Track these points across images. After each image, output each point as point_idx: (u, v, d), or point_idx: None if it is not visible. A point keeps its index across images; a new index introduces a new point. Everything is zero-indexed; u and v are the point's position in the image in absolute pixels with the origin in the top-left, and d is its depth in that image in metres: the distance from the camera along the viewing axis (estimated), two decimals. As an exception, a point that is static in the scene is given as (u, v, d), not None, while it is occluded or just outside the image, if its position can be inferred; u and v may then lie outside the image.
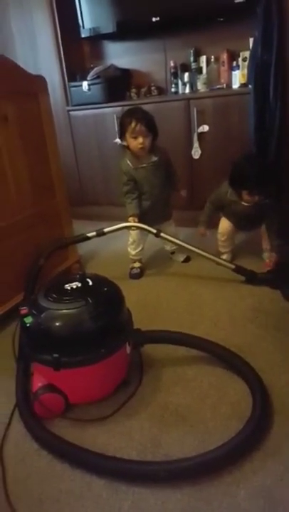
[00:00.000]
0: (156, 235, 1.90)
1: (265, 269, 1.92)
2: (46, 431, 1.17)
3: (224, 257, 2.08)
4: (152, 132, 1.91)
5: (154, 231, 1.90)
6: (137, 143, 1.88)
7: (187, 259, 2.17)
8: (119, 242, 2.53)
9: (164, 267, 2.16)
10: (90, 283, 1.25)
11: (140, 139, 1.87)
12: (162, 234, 1.90)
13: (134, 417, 1.23)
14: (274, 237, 1.93)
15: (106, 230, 1.92)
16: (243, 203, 1.90)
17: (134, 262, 2.13)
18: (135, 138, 1.88)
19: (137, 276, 2.08)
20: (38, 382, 1.23)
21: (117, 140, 2.57)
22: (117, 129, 2.51)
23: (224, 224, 2.07)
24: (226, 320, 1.64)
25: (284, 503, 0.94)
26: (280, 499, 0.95)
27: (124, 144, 1.95)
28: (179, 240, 1.93)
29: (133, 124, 1.86)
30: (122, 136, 1.96)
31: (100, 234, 1.92)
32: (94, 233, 1.93)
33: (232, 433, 1.10)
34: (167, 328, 1.51)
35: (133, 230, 2.04)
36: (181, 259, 2.18)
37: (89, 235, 1.94)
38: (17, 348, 1.45)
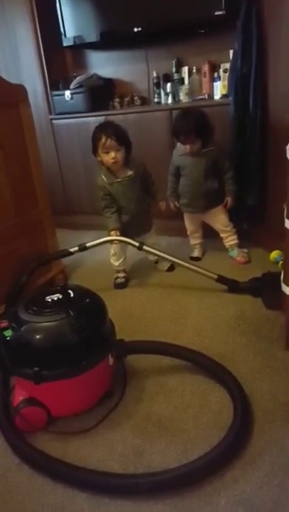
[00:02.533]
0: (139, 248, 1.91)
1: (237, 266, 2.02)
2: (27, 445, 1.16)
3: (196, 252, 2.29)
4: (124, 145, 1.91)
5: (137, 244, 1.90)
6: (109, 158, 1.89)
7: (171, 268, 2.18)
8: (104, 252, 2.52)
9: (148, 277, 2.17)
10: (72, 294, 1.25)
11: (112, 154, 1.88)
12: (145, 247, 1.90)
13: (116, 428, 1.23)
14: (232, 182, 2.10)
15: (88, 244, 1.93)
16: (189, 157, 2.04)
17: (119, 272, 2.14)
18: (107, 153, 1.89)
19: (122, 286, 2.08)
20: (19, 396, 1.23)
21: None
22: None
23: (187, 216, 2.27)
24: (209, 328, 1.66)
25: (263, 511, 0.96)
26: (259, 507, 0.96)
27: (98, 159, 1.96)
28: (161, 251, 1.94)
29: (103, 140, 1.87)
30: (94, 152, 1.96)
31: (83, 249, 1.93)
32: (76, 248, 1.94)
33: (214, 442, 1.11)
34: (152, 338, 1.53)
35: (115, 243, 2.04)
36: (166, 267, 2.20)
37: (71, 250, 1.95)
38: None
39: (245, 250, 2.23)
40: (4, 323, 1.20)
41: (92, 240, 1.96)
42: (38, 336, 1.14)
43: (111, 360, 1.28)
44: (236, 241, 2.20)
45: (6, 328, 1.18)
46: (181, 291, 1.96)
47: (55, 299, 1.23)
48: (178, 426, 1.22)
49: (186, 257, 2.22)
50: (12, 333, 1.16)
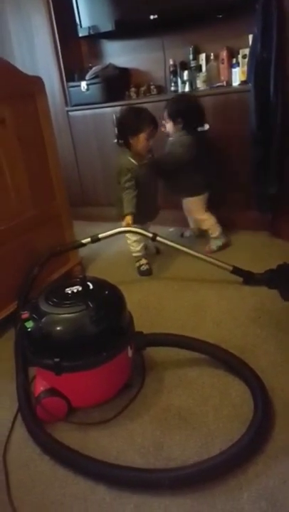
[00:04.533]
0: (153, 239, 1.91)
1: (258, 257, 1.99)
2: (49, 437, 1.16)
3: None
4: None
5: (151, 235, 1.90)
6: (147, 144, 2.01)
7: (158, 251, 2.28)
8: (120, 243, 2.52)
9: (164, 269, 2.14)
10: (91, 286, 1.25)
11: (150, 141, 2.01)
12: (158, 238, 1.89)
13: (136, 420, 1.23)
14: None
15: (101, 235, 1.92)
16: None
17: (140, 260, 2.13)
18: (148, 140, 1.99)
19: (148, 272, 2.09)
20: (40, 386, 1.24)
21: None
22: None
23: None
24: (229, 321, 1.64)
25: (286, 506, 0.94)
26: (282, 502, 0.95)
27: (131, 141, 2.01)
28: (174, 242, 1.92)
29: (152, 128, 1.99)
30: (130, 135, 1.99)
31: (95, 240, 1.93)
32: (88, 239, 1.94)
33: (234, 436, 1.10)
34: (170, 330, 1.52)
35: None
36: (154, 251, 2.30)
37: (84, 241, 1.94)
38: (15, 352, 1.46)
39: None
40: (26, 314, 1.21)
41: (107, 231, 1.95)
42: (58, 328, 1.15)
43: (130, 352, 1.27)
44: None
45: (27, 320, 1.19)
46: (199, 283, 1.94)
47: (75, 290, 1.23)
48: (198, 418, 1.21)
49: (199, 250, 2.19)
50: (33, 325, 1.17)
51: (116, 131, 2.12)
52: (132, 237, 2.12)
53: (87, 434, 1.20)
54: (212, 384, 1.33)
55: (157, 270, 2.14)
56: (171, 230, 2.63)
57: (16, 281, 1.76)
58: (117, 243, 2.51)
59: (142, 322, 1.68)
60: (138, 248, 2.13)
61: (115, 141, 2.12)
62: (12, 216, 1.73)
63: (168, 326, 1.63)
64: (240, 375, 1.30)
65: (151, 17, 2.36)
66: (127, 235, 2.12)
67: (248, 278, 1.83)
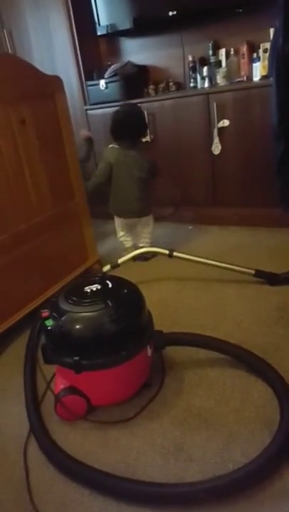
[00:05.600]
0: (170, 256, 1.91)
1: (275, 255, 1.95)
2: (64, 455, 1.13)
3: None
4: None
5: (167, 252, 1.91)
6: None
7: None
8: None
9: (183, 269, 2.11)
10: (110, 285, 1.24)
11: None
12: (175, 253, 1.90)
13: (156, 419, 1.22)
14: None
15: (120, 260, 1.96)
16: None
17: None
18: None
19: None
20: (60, 384, 1.24)
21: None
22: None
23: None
24: (250, 320, 1.60)
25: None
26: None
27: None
28: (192, 256, 1.90)
29: None
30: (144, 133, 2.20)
31: (115, 266, 1.97)
32: (108, 267, 1.97)
33: (256, 438, 1.08)
34: (189, 329, 1.50)
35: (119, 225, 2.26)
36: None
37: (104, 269, 1.97)
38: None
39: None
40: (46, 313, 1.21)
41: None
42: (77, 326, 1.14)
43: (149, 351, 1.26)
44: None
45: (47, 318, 1.19)
46: (219, 282, 1.91)
47: (94, 289, 1.22)
48: (219, 419, 1.19)
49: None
50: (53, 323, 1.17)
51: (131, 128, 2.15)
52: (120, 232, 2.30)
53: (107, 432, 1.20)
54: (233, 385, 1.30)
55: (176, 270, 2.12)
56: (190, 227, 2.60)
57: (37, 279, 1.77)
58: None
59: (161, 321, 1.66)
60: (128, 238, 2.30)
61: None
62: (32, 215, 1.74)
63: (187, 325, 1.61)
64: (262, 376, 1.27)
65: (170, 13, 2.34)
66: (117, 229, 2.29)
67: (273, 279, 1.79)
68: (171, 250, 1.89)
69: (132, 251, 2.17)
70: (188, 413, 1.23)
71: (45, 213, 1.80)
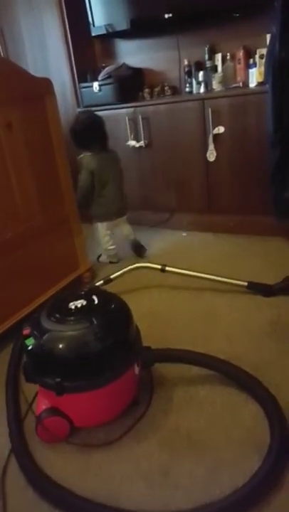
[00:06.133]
0: (162, 270, 1.88)
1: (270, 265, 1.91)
2: (45, 479, 1.09)
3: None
4: None
5: (159, 267, 1.88)
6: None
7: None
8: (131, 250, 2.46)
9: (176, 277, 2.07)
10: (96, 301, 1.19)
11: None
12: (168, 268, 1.87)
13: (142, 442, 1.17)
14: None
15: (113, 276, 1.91)
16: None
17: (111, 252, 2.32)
18: None
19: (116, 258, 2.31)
20: (41, 405, 1.19)
21: (130, 142, 2.51)
22: (129, 130, 2.46)
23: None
24: (242, 334, 1.56)
25: None
26: None
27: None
28: (184, 269, 1.86)
29: None
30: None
31: (107, 281, 1.91)
32: (101, 281, 1.92)
33: (245, 462, 1.04)
34: (180, 342, 1.45)
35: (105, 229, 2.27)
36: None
37: (97, 284, 1.92)
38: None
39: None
40: (27, 330, 1.16)
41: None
42: (60, 346, 1.09)
43: (137, 369, 1.21)
44: None
45: (28, 336, 1.14)
46: (211, 292, 1.86)
47: (79, 305, 1.17)
48: (208, 442, 1.14)
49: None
50: (34, 342, 1.11)
51: (97, 133, 2.16)
52: (106, 237, 2.29)
53: (90, 456, 1.15)
54: (223, 403, 1.26)
55: (169, 278, 2.07)
56: (184, 234, 2.56)
57: (23, 290, 1.72)
58: (127, 249, 2.46)
59: (151, 333, 1.61)
60: (111, 247, 2.32)
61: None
62: (19, 223, 1.68)
63: (178, 339, 1.56)
64: (253, 395, 1.23)
65: (166, 16, 2.29)
66: (99, 229, 2.29)
67: (267, 291, 1.75)
68: (164, 265, 1.85)
69: (114, 256, 2.27)
70: (177, 435, 1.18)
71: (33, 221, 1.75)
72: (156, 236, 2.61)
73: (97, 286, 1.91)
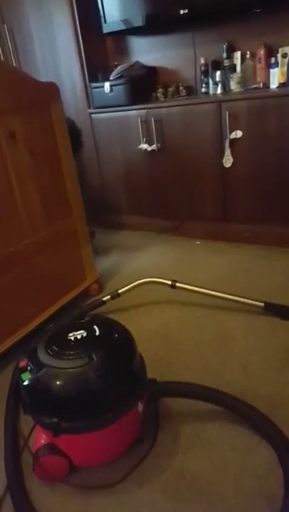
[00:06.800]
0: (172, 287, 1.77)
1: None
2: None
3: None
4: None
5: (170, 283, 1.77)
6: None
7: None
8: (141, 259, 2.38)
9: (188, 294, 1.96)
10: (97, 332, 1.10)
11: None
12: (178, 284, 1.75)
13: (145, 485, 1.08)
14: None
15: (120, 291, 1.82)
16: None
17: None
18: None
19: None
20: (40, 440, 1.11)
21: (142, 146, 2.40)
22: (141, 133, 2.35)
23: None
24: (257, 362, 1.45)
25: None
26: None
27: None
28: (196, 287, 1.75)
29: None
30: None
31: (115, 296, 1.82)
32: (108, 297, 1.82)
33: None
34: (190, 369, 1.37)
35: None
36: None
37: (104, 299, 1.82)
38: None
39: None
40: (23, 363, 1.08)
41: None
42: (57, 384, 1.00)
43: (140, 407, 1.12)
44: None
45: (24, 369, 1.06)
46: (226, 311, 1.75)
47: (79, 337, 1.08)
48: (215, 490, 1.05)
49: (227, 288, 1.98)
50: (30, 377, 1.03)
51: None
52: None
53: (89, 499, 1.07)
54: (233, 445, 1.16)
55: (179, 293, 1.97)
56: (198, 243, 2.44)
57: (26, 306, 1.65)
58: (137, 257, 2.37)
59: (159, 357, 1.53)
60: None
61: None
62: (23, 237, 1.60)
63: (188, 365, 1.47)
64: (267, 439, 1.13)
65: (181, 11, 2.15)
66: None
67: (285, 314, 1.63)
68: (174, 281, 1.75)
69: None
70: (182, 480, 1.09)
71: (37, 234, 1.66)
72: (168, 244, 2.50)
73: (103, 301, 1.82)
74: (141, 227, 2.68)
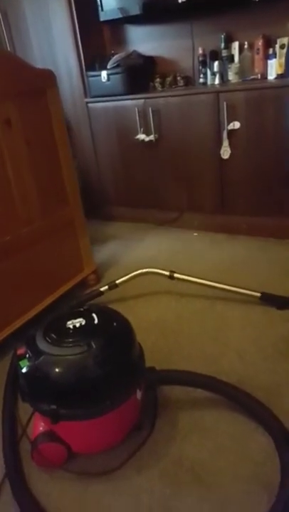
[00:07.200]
0: (171, 277, 1.77)
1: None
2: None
3: None
4: None
5: (168, 273, 1.77)
6: None
7: None
8: (139, 250, 2.38)
9: (187, 285, 1.95)
10: (96, 320, 1.10)
11: None
12: (176, 275, 1.76)
13: (144, 472, 1.09)
14: None
15: (118, 281, 1.82)
16: None
17: None
18: None
19: None
20: (38, 427, 1.12)
21: (140, 136, 2.39)
22: (139, 123, 2.34)
23: None
24: (254, 352, 1.46)
25: None
26: None
27: None
28: (194, 277, 1.75)
29: None
30: None
31: (113, 287, 1.81)
32: (106, 287, 1.82)
33: (253, 503, 0.97)
34: (188, 359, 1.37)
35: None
36: None
37: (102, 289, 1.82)
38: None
39: None
40: (22, 350, 1.07)
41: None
42: (55, 371, 1.00)
43: (139, 394, 1.13)
44: None
45: (22, 357, 1.06)
46: (223, 302, 1.75)
47: (77, 325, 1.08)
48: (213, 477, 1.06)
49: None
50: (28, 364, 1.03)
51: None
52: None
53: (87, 486, 1.07)
54: (231, 433, 1.17)
55: (178, 284, 1.97)
56: (195, 234, 2.44)
57: (23, 296, 1.64)
58: (136, 247, 2.37)
59: (158, 347, 1.54)
60: None
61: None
62: (19, 226, 1.59)
63: (186, 355, 1.47)
64: (264, 426, 1.14)
65: (180, 0, 2.13)
66: None
67: (282, 303, 1.64)
68: (172, 271, 1.75)
69: None
70: (180, 467, 1.10)
71: (34, 223, 1.65)
72: (166, 236, 2.50)
73: (100, 291, 1.82)
74: (139, 218, 2.67)
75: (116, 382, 1.04)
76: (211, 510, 0.98)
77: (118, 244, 2.48)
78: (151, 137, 2.35)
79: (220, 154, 2.15)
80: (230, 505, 0.98)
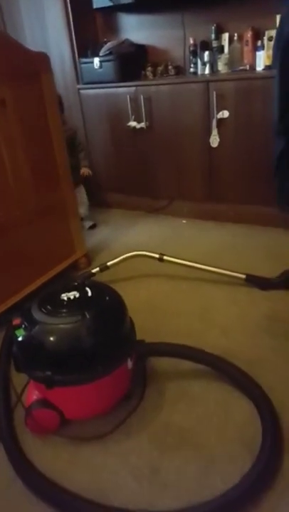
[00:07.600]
0: (160, 260, 1.84)
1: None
2: (34, 472, 1.08)
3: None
4: None
5: (157, 256, 1.84)
6: None
7: (93, 226, 2.56)
8: (130, 236, 2.42)
9: (175, 267, 2.02)
10: (89, 293, 1.15)
11: None
12: (166, 257, 1.83)
13: (133, 436, 1.16)
14: None
15: (109, 263, 1.88)
16: None
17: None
18: None
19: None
20: (32, 396, 1.17)
21: (131, 123, 2.43)
22: (130, 110, 2.37)
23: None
24: (238, 329, 1.53)
25: None
26: None
27: None
28: (183, 260, 1.82)
29: None
30: None
31: (104, 269, 1.88)
32: (97, 269, 1.89)
33: (237, 462, 1.03)
34: (175, 336, 1.43)
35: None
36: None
37: (93, 271, 1.89)
38: None
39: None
40: (17, 321, 1.12)
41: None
42: (50, 339, 1.06)
43: (130, 364, 1.18)
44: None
45: (18, 327, 1.10)
46: (209, 284, 1.82)
47: (72, 297, 1.13)
48: (199, 440, 1.13)
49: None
50: (24, 333, 1.08)
51: None
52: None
53: (79, 449, 1.13)
54: (216, 400, 1.24)
55: (167, 267, 2.03)
56: (184, 222, 2.50)
57: (15, 276, 1.68)
58: (126, 233, 2.42)
59: (147, 324, 1.59)
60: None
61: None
62: (12, 206, 1.62)
63: (173, 331, 1.54)
64: (247, 393, 1.21)
65: (172, -10, 2.17)
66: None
67: (264, 284, 1.72)
68: (162, 254, 1.81)
69: None
70: (168, 431, 1.16)
71: (26, 204, 1.69)
72: (156, 223, 2.55)
73: (92, 273, 1.87)
74: (130, 205, 2.71)
75: (108, 350, 1.09)
76: (196, 470, 1.05)
77: (109, 230, 2.52)
78: (143, 124, 2.39)
79: (209, 143, 2.21)
80: (215, 465, 1.05)
